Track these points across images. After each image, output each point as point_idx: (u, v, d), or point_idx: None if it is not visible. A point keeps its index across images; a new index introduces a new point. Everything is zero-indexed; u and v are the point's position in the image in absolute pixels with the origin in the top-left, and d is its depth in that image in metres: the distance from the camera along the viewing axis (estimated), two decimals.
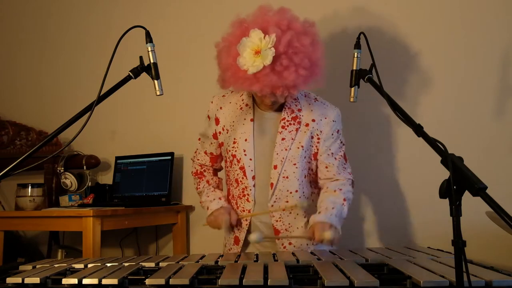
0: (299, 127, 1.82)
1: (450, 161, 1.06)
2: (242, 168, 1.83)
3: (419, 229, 2.26)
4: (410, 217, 2.29)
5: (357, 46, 1.64)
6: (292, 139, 1.81)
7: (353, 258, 1.42)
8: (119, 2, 3.08)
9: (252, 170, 1.81)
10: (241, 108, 1.86)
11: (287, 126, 1.82)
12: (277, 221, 1.84)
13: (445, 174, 1.06)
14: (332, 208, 1.73)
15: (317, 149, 1.84)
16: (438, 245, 1.73)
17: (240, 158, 1.83)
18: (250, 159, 1.82)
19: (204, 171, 2.00)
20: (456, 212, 1.01)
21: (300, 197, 1.83)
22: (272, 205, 1.82)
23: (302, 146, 1.82)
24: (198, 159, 2.01)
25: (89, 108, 1.45)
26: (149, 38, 1.55)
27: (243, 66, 1.60)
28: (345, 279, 1.14)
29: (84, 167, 2.88)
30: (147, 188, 2.76)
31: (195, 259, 1.51)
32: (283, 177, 1.80)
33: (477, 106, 2.19)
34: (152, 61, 1.55)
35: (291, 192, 1.82)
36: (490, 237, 2.05)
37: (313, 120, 1.83)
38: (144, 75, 1.55)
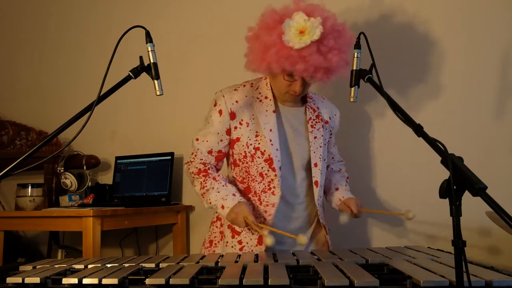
0: (323, 125, 1.90)
1: (450, 161, 1.06)
2: (267, 160, 1.78)
3: (419, 229, 2.26)
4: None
5: (357, 46, 1.64)
6: (322, 136, 1.87)
7: (353, 258, 1.42)
8: (119, 2, 3.08)
9: (279, 161, 1.79)
10: (260, 101, 1.83)
11: (315, 124, 1.88)
12: (321, 218, 1.89)
13: (445, 174, 1.06)
14: (345, 185, 2.00)
15: (328, 143, 1.98)
16: (438, 245, 1.73)
17: (264, 150, 1.78)
18: (277, 149, 1.78)
19: (209, 169, 1.84)
20: (456, 212, 1.01)
21: (321, 187, 1.91)
22: (320, 204, 1.87)
23: (326, 143, 1.92)
24: (201, 159, 1.85)
25: (89, 108, 1.45)
26: (149, 38, 1.55)
27: (289, 42, 1.61)
28: (345, 279, 1.14)
29: (84, 167, 2.88)
30: (147, 188, 2.76)
31: (195, 259, 1.51)
32: (321, 173, 1.86)
33: (477, 106, 2.19)
34: (152, 61, 1.54)
35: (321, 186, 1.90)
36: (490, 237, 2.05)
37: (330, 118, 1.95)
38: (144, 75, 1.55)
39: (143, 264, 1.44)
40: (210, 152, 1.85)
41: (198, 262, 1.46)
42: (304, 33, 1.60)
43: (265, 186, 1.80)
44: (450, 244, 1.02)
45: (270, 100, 1.83)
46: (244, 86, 1.87)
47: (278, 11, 1.70)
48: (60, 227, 2.60)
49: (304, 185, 1.86)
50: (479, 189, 1.00)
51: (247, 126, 1.81)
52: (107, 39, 2.87)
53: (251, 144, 1.80)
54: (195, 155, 1.86)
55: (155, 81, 1.54)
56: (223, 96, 1.83)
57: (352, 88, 1.62)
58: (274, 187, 1.79)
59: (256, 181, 1.81)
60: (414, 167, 2.27)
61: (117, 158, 2.91)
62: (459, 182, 1.03)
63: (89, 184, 2.88)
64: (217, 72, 2.71)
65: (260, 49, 1.68)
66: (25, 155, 1.38)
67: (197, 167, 1.84)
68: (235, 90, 1.85)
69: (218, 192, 1.76)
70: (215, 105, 1.84)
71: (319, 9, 1.69)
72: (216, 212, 1.94)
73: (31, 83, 3.37)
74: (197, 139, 1.87)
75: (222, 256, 1.58)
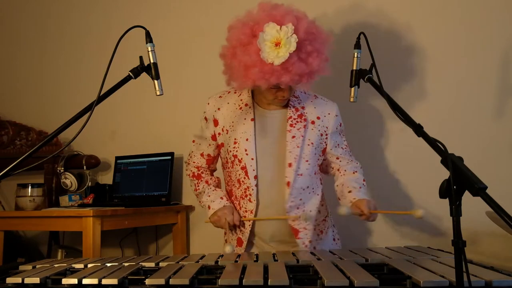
0: (306, 124, 1.85)
1: (450, 161, 1.06)
2: (243, 168, 1.82)
3: (419, 229, 2.26)
4: (410, 217, 2.28)
5: (357, 46, 1.64)
6: (302, 136, 1.82)
7: (353, 258, 1.42)
8: (119, 2, 3.08)
9: (254, 170, 1.81)
10: (240, 108, 1.86)
11: (295, 124, 1.83)
12: (293, 220, 1.83)
13: (445, 174, 1.06)
14: (360, 187, 1.85)
15: (326, 145, 1.90)
16: (438, 245, 1.73)
17: (241, 158, 1.82)
18: (252, 159, 1.81)
19: (202, 172, 1.97)
20: (456, 212, 1.01)
21: (309, 192, 1.86)
22: (290, 206, 1.81)
23: (312, 143, 1.84)
24: (194, 162, 1.99)
25: (89, 108, 1.45)
26: (149, 38, 1.55)
27: (268, 59, 1.60)
28: (345, 279, 1.14)
29: (84, 167, 2.88)
30: (147, 188, 2.76)
31: (195, 259, 1.51)
32: (298, 174, 1.81)
33: (477, 106, 2.19)
34: (152, 61, 1.54)
35: (304, 189, 1.84)
36: (490, 237, 2.05)
37: (318, 118, 1.87)
38: (144, 75, 1.55)
39: (143, 264, 1.44)
40: (202, 155, 1.97)
41: (198, 262, 1.46)
42: (280, 45, 1.59)
43: (242, 193, 1.85)
44: (450, 244, 1.02)
45: (250, 107, 1.85)
46: (229, 92, 1.92)
47: (247, 22, 1.67)
48: (60, 227, 2.60)
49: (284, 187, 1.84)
50: (479, 189, 1.00)
51: (227, 133, 1.86)
52: (107, 39, 2.86)
53: (230, 151, 1.85)
54: (190, 157, 2.01)
55: (155, 81, 1.54)
56: (208, 103, 1.91)
57: (352, 88, 1.62)
58: (250, 195, 1.83)
59: (235, 186, 1.88)
60: (414, 167, 2.27)
61: (117, 158, 2.91)
62: (459, 182, 1.03)
63: (89, 184, 2.88)
64: (217, 72, 2.69)
65: (240, 68, 1.68)
66: (25, 155, 1.38)
67: (192, 171, 1.99)
68: (219, 97, 1.92)
69: (208, 195, 1.89)
70: (204, 111, 1.92)
71: (288, 12, 1.65)
72: None
73: (31, 83, 3.36)
74: (193, 141, 2.00)
75: (222, 256, 1.58)
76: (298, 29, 1.62)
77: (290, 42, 1.59)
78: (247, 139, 1.82)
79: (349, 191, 1.84)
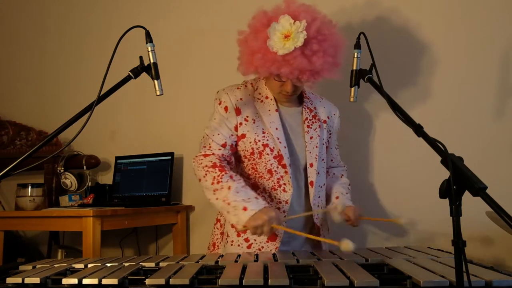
0: (320, 124, 1.89)
1: (450, 161, 1.06)
2: (277, 156, 1.78)
3: (419, 229, 2.26)
4: (410, 217, 2.28)
5: (357, 46, 1.64)
6: (318, 136, 1.86)
7: (353, 258, 1.42)
8: (119, 2, 3.08)
9: (288, 158, 1.79)
10: (261, 101, 1.84)
11: (311, 124, 1.87)
12: (316, 218, 1.87)
13: (445, 174, 1.06)
14: (346, 193, 1.94)
15: (328, 143, 1.95)
16: (438, 245, 1.73)
17: (273, 147, 1.79)
18: (285, 147, 1.80)
19: (224, 165, 1.75)
20: (456, 212, 1.01)
21: (323, 189, 1.92)
22: (313, 204, 1.84)
23: (326, 143, 1.92)
24: (213, 153, 1.78)
25: (89, 108, 1.45)
26: (149, 38, 1.55)
27: (273, 48, 1.63)
28: (345, 279, 1.14)
29: (84, 167, 2.88)
30: (147, 188, 2.76)
31: (195, 259, 1.51)
32: (317, 173, 1.85)
33: (477, 106, 2.19)
34: (152, 61, 1.54)
35: (321, 187, 1.89)
36: (490, 237, 2.05)
37: (328, 118, 1.94)
38: (144, 75, 1.55)
39: (143, 264, 1.44)
40: (224, 145, 1.79)
41: (198, 262, 1.46)
42: (289, 37, 1.62)
43: (274, 183, 1.79)
44: (450, 244, 1.02)
45: (271, 100, 1.84)
46: (246, 86, 1.89)
47: (268, 13, 1.71)
48: (60, 227, 2.60)
49: (302, 185, 1.85)
50: (479, 189, 1.00)
51: (254, 122, 1.80)
52: (107, 39, 2.86)
53: (259, 141, 1.79)
54: (210, 147, 1.79)
55: (155, 81, 1.54)
56: (227, 93, 1.83)
57: (352, 88, 1.62)
58: (285, 184, 1.78)
59: (265, 178, 1.79)
60: (414, 167, 2.27)
61: (117, 158, 2.91)
62: (459, 182, 1.03)
63: (89, 184, 2.88)
64: (217, 72, 2.71)
65: (247, 53, 1.72)
66: (25, 155, 1.38)
67: (212, 161, 1.74)
68: (237, 88, 1.86)
69: (237, 192, 1.65)
70: (220, 103, 1.83)
71: (308, 10, 1.69)
72: (219, 213, 1.94)
73: (31, 83, 3.36)
74: (206, 135, 1.83)
75: (222, 256, 1.58)
76: (310, 27, 1.64)
77: (298, 37, 1.62)
78: (276, 128, 1.80)
79: (337, 197, 1.91)
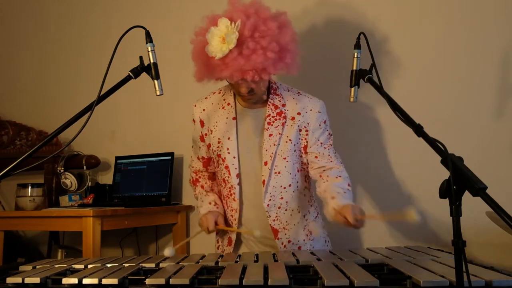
0: (285, 122, 1.82)
1: (450, 161, 1.06)
2: (227, 167, 1.83)
3: (419, 229, 2.26)
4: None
5: (357, 46, 1.64)
6: (280, 133, 1.80)
7: (353, 258, 1.42)
8: (119, 2, 3.08)
9: (236, 168, 1.82)
10: (223, 108, 1.87)
11: (273, 121, 1.81)
12: (274, 220, 1.83)
13: (445, 174, 1.06)
14: (344, 193, 1.74)
15: (306, 142, 1.84)
16: (438, 245, 1.73)
17: (225, 158, 1.83)
18: (234, 157, 1.82)
19: (199, 177, 2.02)
20: (456, 212, 1.01)
21: (293, 191, 1.84)
22: (268, 204, 1.81)
23: (291, 140, 1.81)
24: (193, 167, 2.04)
25: (89, 108, 1.45)
26: (149, 38, 1.55)
27: (211, 53, 1.62)
28: (345, 279, 1.14)
29: (84, 167, 2.88)
30: (147, 188, 2.76)
31: (195, 259, 1.51)
32: (275, 172, 1.81)
33: (477, 106, 2.19)
34: (152, 61, 1.55)
35: (284, 188, 1.82)
36: (490, 237, 2.05)
37: (299, 113, 1.83)
38: (144, 75, 1.55)
39: (143, 264, 1.44)
40: (198, 158, 2.00)
41: (198, 262, 1.46)
42: (225, 40, 1.60)
43: (227, 192, 1.87)
44: (450, 244, 1.02)
45: (232, 106, 1.86)
46: (214, 93, 1.94)
47: (209, 17, 1.71)
48: (60, 227, 2.60)
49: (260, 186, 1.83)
50: (479, 189, 1.00)
51: (211, 133, 1.88)
52: (107, 39, 2.86)
53: (215, 151, 1.88)
54: (191, 162, 2.05)
55: (155, 81, 1.55)
56: (195, 105, 1.94)
57: (352, 88, 1.62)
58: (234, 194, 1.84)
59: (222, 186, 1.90)
60: (414, 167, 2.27)
61: (117, 158, 2.91)
62: (459, 182, 1.03)
63: (89, 184, 2.88)
64: None
65: (195, 62, 1.76)
66: (25, 155, 1.38)
67: (191, 176, 2.05)
68: (205, 98, 1.94)
69: (202, 201, 1.95)
70: (192, 114, 1.95)
71: (245, 9, 1.65)
72: None
73: (31, 83, 3.36)
74: (192, 147, 2.03)
75: (222, 256, 1.58)
76: (245, 26, 1.61)
77: (231, 39, 1.59)
78: (229, 138, 1.83)
79: (332, 197, 1.71)
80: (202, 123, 1.91)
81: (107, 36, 2.99)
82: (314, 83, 2.37)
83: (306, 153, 1.84)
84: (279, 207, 1.83)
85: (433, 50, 2.28)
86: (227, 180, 1.85)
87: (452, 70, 2.24)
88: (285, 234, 1.85)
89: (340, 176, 1.81)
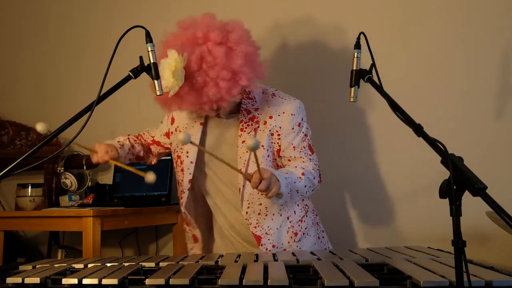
0: (258, 127, 1.76)
1: (450, 161, 1.06)
2: (182, 170, 1.84)
3: (419, 229, 2.26)
4: (410, 217, 2.29)
5: (357, 46, 1.63)
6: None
7: (353, 258, 1.42)
8: (119, 2, 3.08)
9: (190, 173, 1.81)
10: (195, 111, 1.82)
11: (245, 128, 1.77)
12: (255, 227, 1.78)
13: (445, 174, 1.06)
14: (286, 173, 1.65)
15: (279, 146, 1.77)
16: (438, 245, 1.73)
17: (183, 160, 1.83)
18: (191, 162, 1.81)
19: (132, 135, 1.99)
20: (456, 212, 1.01)
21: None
22: (246, 212, 1.76)
23: (263, 146, 1.75)
24: (138, 133, 2.03)
25: (89, 108, 1.45)
26: (149, 38, 1.55)
27: (165, 88, 1.57)
28: (345, 279, 1.14)
29: (84, 167, 2.88)
30: (147, 188, 2.76)
31: (195, 259, 1.51)
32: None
33: (477, 106, 2.19)
34: (152, 61, 1.54)
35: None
36: (490, 237, 2.05)
37: (271, 117, 1.77)
38: (144, 75, 1.55)
39: (143, 264, 1.44)
40: (150, 135, 2.00)
41: (198, 262, 1.46)
42: (173, 77, 1.56)
43: (179, 195, 1.89)
44: (450, 244, 1.02)
45: None
46: None
47: (168, 41, 1.66)
48: (60, 227, 2.60)
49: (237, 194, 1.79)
50: (479, 189, 1.00)
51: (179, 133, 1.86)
52: (107, 39, 2.86)
53: (176, 151, 1.87)
54: (144, 132, 2.04)
55: (155, 81, 1.54)
56: None
57: (352, 88, 1.61)
58: (182, 198, 1.86)
59: (178, 188, 1.90)
60: (414, 167, 2.27)
61: None
62: (459, 182, 1.03)
63: (89, 184, 2.88)
64: None
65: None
66: (25, 155, 1.38)
67: (129, 134, 2.01)
68: None
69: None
70: None
71: (196, 32, 1.63)
72: None
73: (31, 83, 3.36)
74: (147, 130, 2.04)
75: (222, 256, 1.58)
76: (191, 59, 1.58)
77: (178, 76, 1.56)
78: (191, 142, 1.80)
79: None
80: (173, 120, 1.91)
81: (107, 36, 2.99)
82: (314, 83, 2.37)
83: (279, 156, 1.80)
84: (259, 213, 1.77)
85: (433, 50, 2.28)
86: (180, 183, 1.87)
87: (452, 70, 2.24)
88: (268, 239, 1.78)
89: (296, 167, 1.73)
